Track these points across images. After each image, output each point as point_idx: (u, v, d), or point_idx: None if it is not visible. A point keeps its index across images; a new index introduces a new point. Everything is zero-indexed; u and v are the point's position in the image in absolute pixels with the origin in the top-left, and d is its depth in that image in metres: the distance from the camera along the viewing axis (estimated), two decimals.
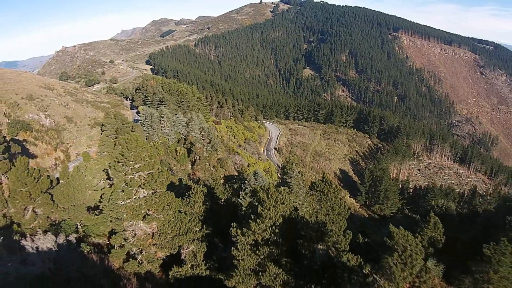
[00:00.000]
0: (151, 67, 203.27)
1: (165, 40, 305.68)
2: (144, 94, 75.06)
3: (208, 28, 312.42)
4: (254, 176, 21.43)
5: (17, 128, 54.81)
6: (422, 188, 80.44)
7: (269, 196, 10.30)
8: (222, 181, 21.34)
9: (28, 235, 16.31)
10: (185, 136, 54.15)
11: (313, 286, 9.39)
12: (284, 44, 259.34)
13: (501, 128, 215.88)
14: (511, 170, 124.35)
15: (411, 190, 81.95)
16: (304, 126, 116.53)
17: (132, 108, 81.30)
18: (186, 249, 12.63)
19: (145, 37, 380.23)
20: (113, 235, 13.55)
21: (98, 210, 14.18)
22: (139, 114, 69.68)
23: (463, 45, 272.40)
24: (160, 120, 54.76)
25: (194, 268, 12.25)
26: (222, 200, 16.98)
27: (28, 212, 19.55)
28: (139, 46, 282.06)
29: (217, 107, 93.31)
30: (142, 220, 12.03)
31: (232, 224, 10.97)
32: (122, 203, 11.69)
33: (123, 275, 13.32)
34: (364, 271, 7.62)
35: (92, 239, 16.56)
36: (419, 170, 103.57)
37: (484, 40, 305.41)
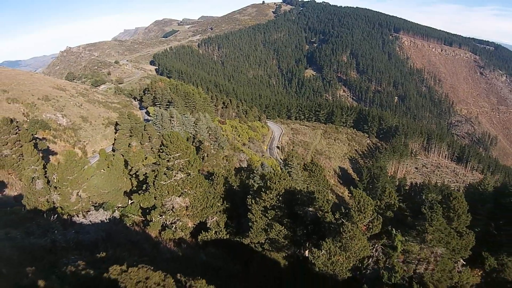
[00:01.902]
0: (155, 67, 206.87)
1: (169, 40, 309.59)
2: (153, 95, 79.00)
3: (211, 29, 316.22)
4: (261, 167, 25.33)
5: (37, 127, 58.50)
6: (418, 185, 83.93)
7: (275, 174, 14.07)
8: (233, 172, 25.15)
9: (80, 212, 20.22)
10: (193, 135, 57.96)
11: (305, 238, 13.14)
12: (286, 45, 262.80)
13: (500, 128, 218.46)
14: (508, 169, 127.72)
15: (407, 187, 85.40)
16: (306, 125, 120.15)
17: (141, 108, 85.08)
18: (211, 219, 16.39)
19: (148, 38, 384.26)
20: (152, 211, 17.38)
21: (142, 190, 17.91)
22: (149, 115, 73.68)
23: (463, 46, 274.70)
24: (170, 120, 58.68)
25: (217, 233, 16.03)
26: (235, 187, 20.77)
27: (73, 196, 23.50)
28: (143, 47, 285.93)
29: (222, 108, 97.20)
30: (179, 196, 15.80)
31: (247, 196, 14.76)
32: (164, 183, 15.45)
33: (160, 241, 17.17)
34: (335, 216, 11.33)
35: (130, 217, 20.44)
36: (416, 168, 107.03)
37: (485, 40, 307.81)
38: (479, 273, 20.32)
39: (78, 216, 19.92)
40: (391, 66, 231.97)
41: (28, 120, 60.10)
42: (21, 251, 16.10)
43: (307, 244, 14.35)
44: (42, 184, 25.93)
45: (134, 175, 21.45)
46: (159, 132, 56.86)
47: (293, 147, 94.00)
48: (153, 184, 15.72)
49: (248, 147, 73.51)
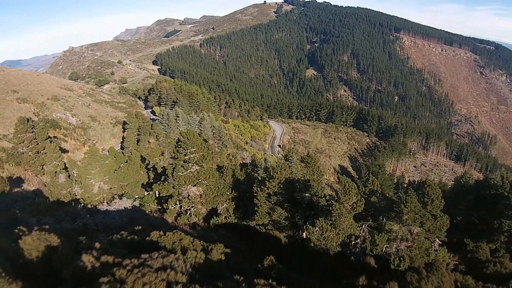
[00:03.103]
0: (158, 67, 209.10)
1: (171, 40, 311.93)
2: (158, 95, 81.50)
3: (213, 29, 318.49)
4: (264, 162, 27.81)
5: (47, 126, 60.90)
6: (416, 183, 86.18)
7: (277, 165, 16.51)
8: (239, 167, 27.60)
9: (104, 201, 22.72)
10: (198, 133, 60.48)
11: (303, 220, 15.62)
12: (288, 45, 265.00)
13: (500, 128, 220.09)
14: (506, 168, 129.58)
15: (405, 185, 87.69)
16: (306, 125, 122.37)
17: (146, 108, 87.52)
18: (222, 206, 18.85)
19: (150, 37, 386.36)
20: (169, 199, 19.88)
21: (161, 180, 20.35)
22: (155, 114, 76.20)
23: (463, 46, 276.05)
24: (176, 119, 61.19)
25: (227, 218, 18.51)
26: (242, 179, 23.23)
27: (95, 188, 26.01)
28: (146, 47, 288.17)
29: (225, 107, 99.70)
30: (194, 185, 18.26)
31: (253, 186, 17.21)
32: (182, 174, 17.91)
33: (177, 225, 19.68)
34: (325, 198, 13.78)
35: (147, 206, 22.93)
36: (415, 167, 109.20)
37: (485, 40, 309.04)
38: (459, 257, 22.78)
39: (102, 204, 22.46)
40: (391, 66, 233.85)
41: (40, 119, 62.68)
42: (55, 233, 18.55)
43: (304, 226, 16.81)
44: (64, 177, 28.51)
45: (151, 169, 23.94)
46: (166, 131, 59.43)
47: (294, 145, 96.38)
48: (172, 175, 18.19)
49: (251, 146, 75.94)
